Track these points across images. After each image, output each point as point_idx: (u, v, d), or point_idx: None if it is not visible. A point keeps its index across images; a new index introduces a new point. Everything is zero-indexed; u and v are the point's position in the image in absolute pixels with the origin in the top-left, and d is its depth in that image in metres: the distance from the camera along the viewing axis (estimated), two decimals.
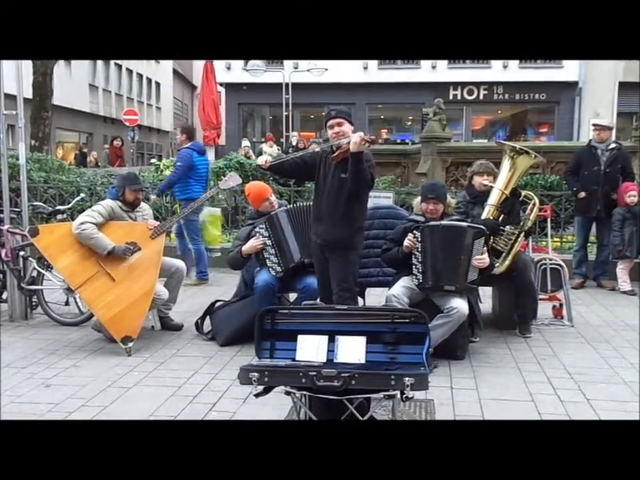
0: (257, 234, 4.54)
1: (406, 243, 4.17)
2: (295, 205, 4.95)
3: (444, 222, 4.23)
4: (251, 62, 19.84)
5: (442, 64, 22.43)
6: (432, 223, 4.21)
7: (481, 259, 4.16)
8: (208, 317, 4.86)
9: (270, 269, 4.51)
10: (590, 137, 7.03)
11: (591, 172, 6.50)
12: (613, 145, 6.58)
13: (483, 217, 4.78)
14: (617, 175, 6.51)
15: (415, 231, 4.18)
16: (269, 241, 4.51)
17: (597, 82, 21.16)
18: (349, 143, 3.69)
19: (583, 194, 6.51)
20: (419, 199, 4.54)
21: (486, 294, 5.33)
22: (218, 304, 4.88)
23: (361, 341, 2.83)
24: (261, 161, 3.98)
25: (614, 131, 7.96)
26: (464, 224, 4.23)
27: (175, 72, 37.96)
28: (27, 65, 10.27)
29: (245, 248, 4.57)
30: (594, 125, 6.78)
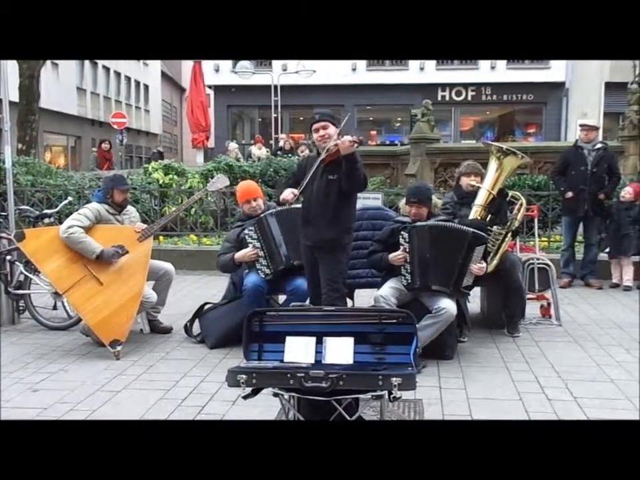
0: (246, 236, 4.54)
1: (394, 258, 4.18)
2: (283, 207, 4.95)
3: (430, 222, 4.24)
4: (240, 64, 19.83)
5: (430, 65, 22.51)
6: (419, 223, 4.23)
7: (481, 267, 4.18)
8: (197, 320, 4.86)
9: (259, 271, 4.51)
10: (577, 137, 7.09)
11: (578, 172, 6.56)
12: (599, 145, 6.64)
13: (471, 217, 4.80)
14: (603, 174, 6.57)
15: (402, 232, 4.19)
16: (258, 244, 4.51)
17: (584, 82, 21.31)
18: (336, 145, 3.71)
19: (570, 194, 6.57)
20: (404, 200, 4.56)
21: (474, 294, 5.34)
22: (207, 306, 4.88)
23: (348, 341, 2.83)
24: (289, 197, 3.85)
25: (601, 131, 8.02)
26: (468, 229, 4.19)
27: (164, 74, 37.84)
28: (12, 68, 10.22)
29: (238, 256, 4.57)
30: (581, 125, 6.85)
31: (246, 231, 4.56)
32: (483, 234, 4.28)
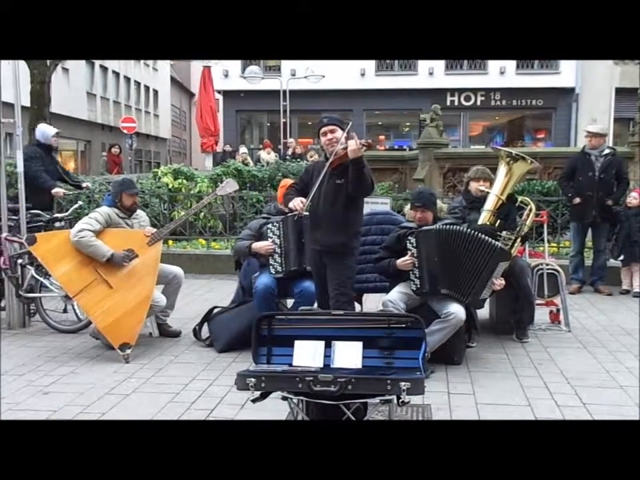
0: (268, 230, 4.57)
1: (402, 263, 4.19)
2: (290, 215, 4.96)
3: (438, 227, 4.23)
4: (249, 69, 19.92)
5: (439, 70, 22.51)
6: (426, 227, 4.23)
7: (501, 283, 4.19)
8: (206, 324, 4.87)
9: (271, 266, 4.52)
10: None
11: (585, 178, 6.53)
12: (607, 151, 6.61)
13: (480, 222, 4.79)
14: (611, 180, 6.54)
15: (410, 237, 4.20)
16: (278, 240, 4.53)
17: (594, 88, 21.24)
18: (344, 148, 3.72)
19: (577, 200, 6.53)
20: (409, 205, 4.57)
21: None
22: (216, 310, 4.90)
23: (357, 346, 2.84)
24: (299, 205, 3.81)
25: (611, 137, 7.98)
26: (496, 243, 4.16)
27: (173, 79, 38.04)
28: (24, 73, 10.32)
29: (255, 246, 4.60)
30: (586, 131, 6.82)
31: (269, 225, 4.58)
32: (507, 249, 4.27)
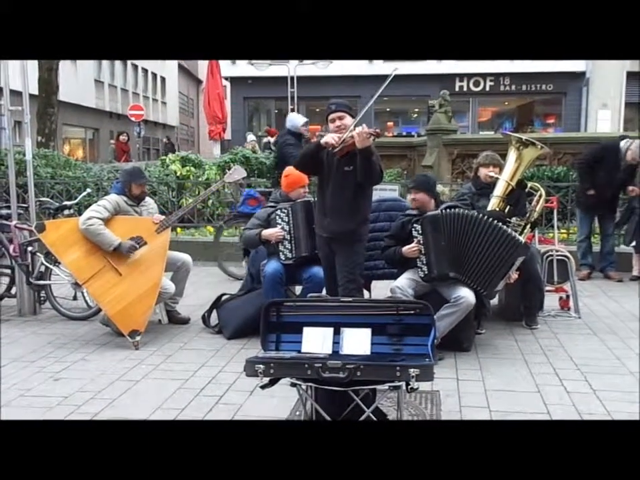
0: (277, 217, 4.56)
1: (408, 250, 4.18)
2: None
3: (442, 211, 4.20)
4: None
5: None
6: (430, 213, 4.21)
7: (515, 277, 4.21)
8: (215, 311, 4.89)
9: (281, 252, 4.52)
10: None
11: (610, 174, 6.34)
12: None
13: (489, 208, 4.76)
14: (628, 177, 6.46)
15: (415, 224, 4.18)
16: (287, 227, 4.52)
17: (605, 72, 20.96)
18: (352, 136, 3.68)
19: (592, 192, 6.40)
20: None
21: None
22: (224, 297, 4.91)
23: (366, 332, 2.84)
24: (332, 140, 3.70)
25: (622, 122, 7.81)
26: (519, 238, 4.14)
27: (180, 67, 37.93)
28: (32, 62, 10.31)
29: (265, 234, 4.58)
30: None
31: (278, 212, 4.57)
32: (530, 245, 4.27)
